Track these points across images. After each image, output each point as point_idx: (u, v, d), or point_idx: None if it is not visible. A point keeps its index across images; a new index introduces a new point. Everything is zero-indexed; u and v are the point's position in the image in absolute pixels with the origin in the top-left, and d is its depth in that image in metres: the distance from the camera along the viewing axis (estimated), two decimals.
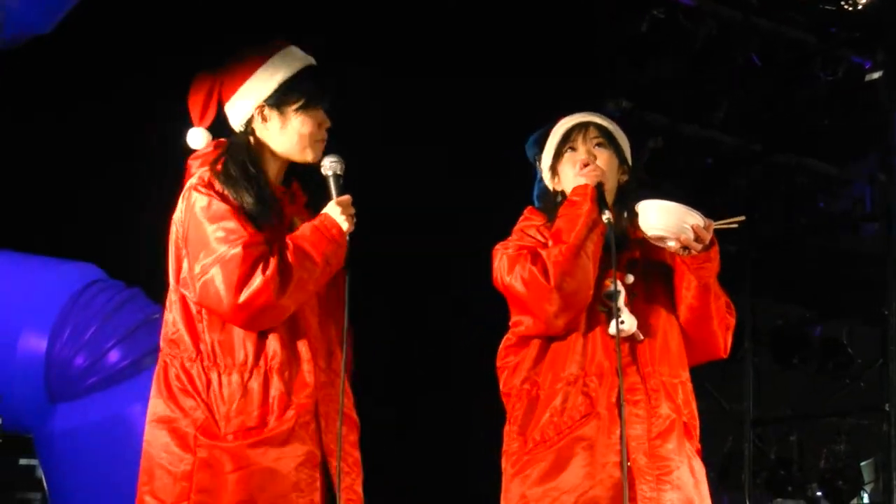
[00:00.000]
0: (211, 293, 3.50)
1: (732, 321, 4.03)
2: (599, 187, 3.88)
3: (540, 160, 4.13)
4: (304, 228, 3.60)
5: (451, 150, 7.60)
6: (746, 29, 7.99)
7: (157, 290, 3.76)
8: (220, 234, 3.51)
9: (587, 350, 3.85)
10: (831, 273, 9.24)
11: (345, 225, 3.58)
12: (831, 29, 8.08)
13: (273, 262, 3.47)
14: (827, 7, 7.97)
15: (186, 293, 3.59)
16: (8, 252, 6.26)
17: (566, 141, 4.03)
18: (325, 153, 3.73)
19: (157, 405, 3.60)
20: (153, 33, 6.79)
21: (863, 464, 9.81)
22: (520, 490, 3.83)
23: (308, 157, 3.70)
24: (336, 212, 3.60)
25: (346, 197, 3.64)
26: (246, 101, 3.70)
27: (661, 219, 3.77)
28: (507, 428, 3.94)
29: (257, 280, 3.45)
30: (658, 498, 3.73)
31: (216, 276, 3.48)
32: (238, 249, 3.46)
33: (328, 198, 3.68)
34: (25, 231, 6.59)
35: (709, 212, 3.88)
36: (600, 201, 3.86)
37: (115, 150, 6.83)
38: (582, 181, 3.90)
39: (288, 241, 3.56)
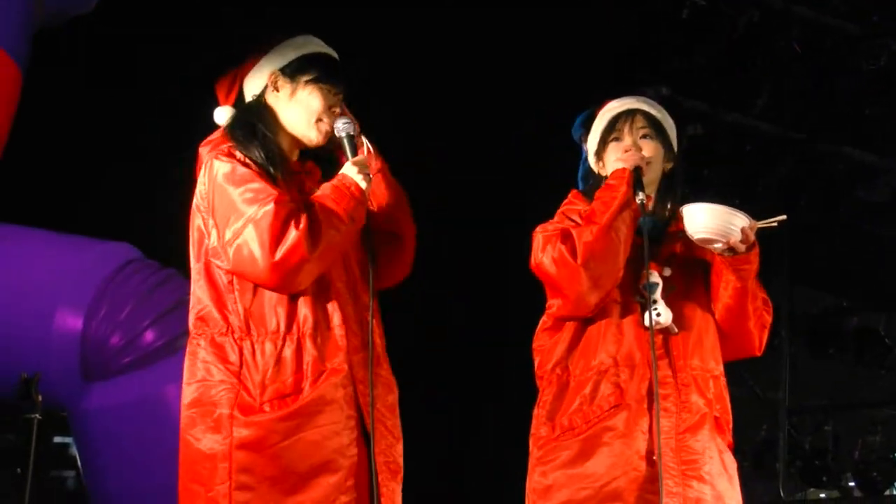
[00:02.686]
0: (245, 256, 3.48)
1: (769, 319, 4.01)
2: (637, 171, 3.87)
3: (586, 141, 4.11)
4: (325, 188, 3.61)
5: (461, 144, 7.59)
6: (787, 16, 7.93)
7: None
8: (249, 195, 3.51)
9: (620, 340, 3.84)
10: (869, 262, 9.19)
11: (363, 183, 3.59)
12: (874, 17, 8.01)
13: (304, 217, 3.47)
14: None
15: (219, 262, 3.57)
16: (45, 231, 6.28)
17: (612, 129, 4.01)
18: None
19: (189, 391, 3.58)
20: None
21: None
22: (543, 475, 3.83)
23: (312, 134, 3.70)
24: (353, 171, 3.61)
25: (362, 156, 3.66)
26: (263, 70, 3.73)
27: (708, 221, 3.76)
28: (535, 411, 3.93)
29: (291, 235, 3.44)
30: (684, 493, 3.72)
31: (249, 237, 3.46)
32: (270, 206, 3.45)
33: (344, 159, 3.70)
34: (61, 211, 6.62)
35: (748, 199, 3.86)
36: (636, 184, 3.84)
37: (151, 130, 6.85)
38: (621, 165, 3.89)
39: (312, 200, 3.57)
